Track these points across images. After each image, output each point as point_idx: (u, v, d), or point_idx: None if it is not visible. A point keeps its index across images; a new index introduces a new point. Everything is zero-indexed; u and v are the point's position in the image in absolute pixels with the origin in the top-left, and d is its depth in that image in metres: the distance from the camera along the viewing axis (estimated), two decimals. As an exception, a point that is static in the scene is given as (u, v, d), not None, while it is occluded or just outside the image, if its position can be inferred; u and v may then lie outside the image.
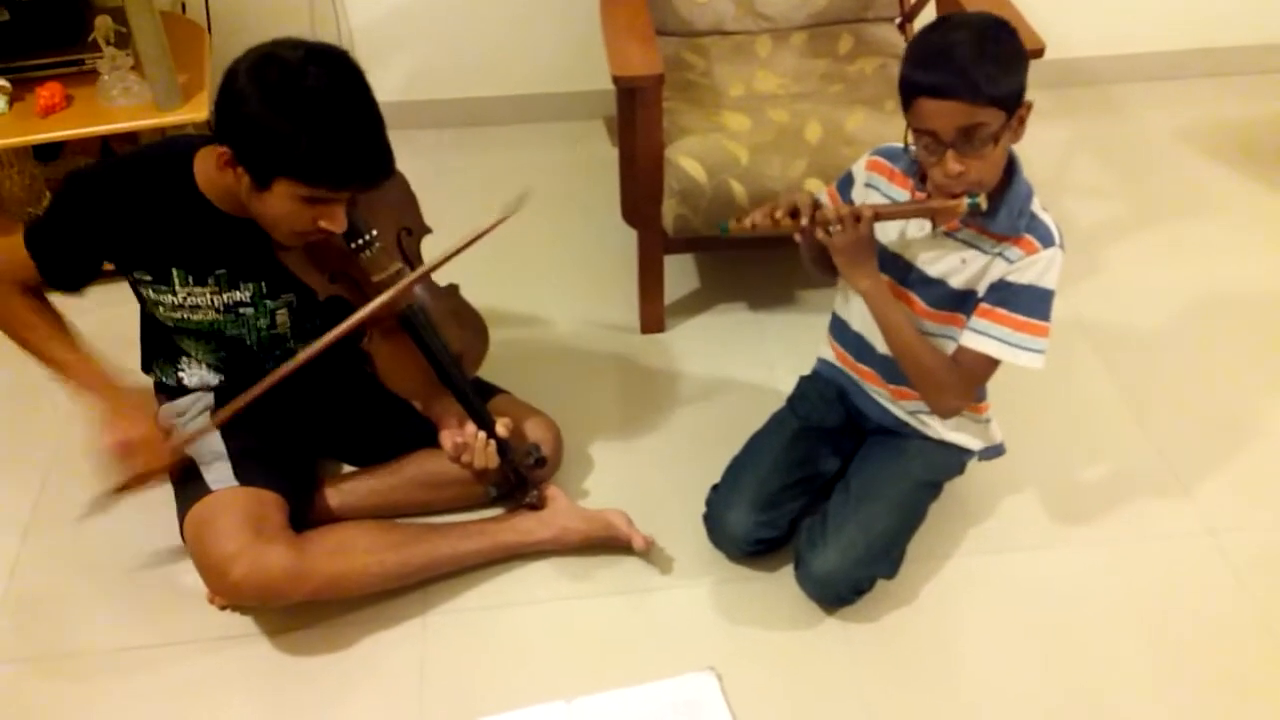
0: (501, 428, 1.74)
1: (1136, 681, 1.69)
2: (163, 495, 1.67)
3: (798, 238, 1.59)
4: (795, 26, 2.44)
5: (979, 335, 1.56)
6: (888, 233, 1.63)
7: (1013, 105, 1.42)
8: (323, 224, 1.49)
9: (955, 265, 1.57)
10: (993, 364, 1.58)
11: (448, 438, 1.73)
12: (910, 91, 1.44)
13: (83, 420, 1.61)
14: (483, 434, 1.72)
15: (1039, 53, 1.96)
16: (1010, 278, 1.53)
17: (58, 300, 1.70)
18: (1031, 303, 1.53)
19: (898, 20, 2.47)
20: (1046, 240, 1.52)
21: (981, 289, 1.57)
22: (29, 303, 1.66)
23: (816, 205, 1.54)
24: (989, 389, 1.75)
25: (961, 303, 1.59)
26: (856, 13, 2.44)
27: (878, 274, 1.58)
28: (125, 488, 1.60)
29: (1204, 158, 2.82)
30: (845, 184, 1.70)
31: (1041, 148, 2.85)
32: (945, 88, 1.40)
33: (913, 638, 1.75)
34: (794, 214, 1.54)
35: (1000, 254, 1.53)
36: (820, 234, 1.53)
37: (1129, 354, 2.25)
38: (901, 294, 1.64)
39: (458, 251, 1.57)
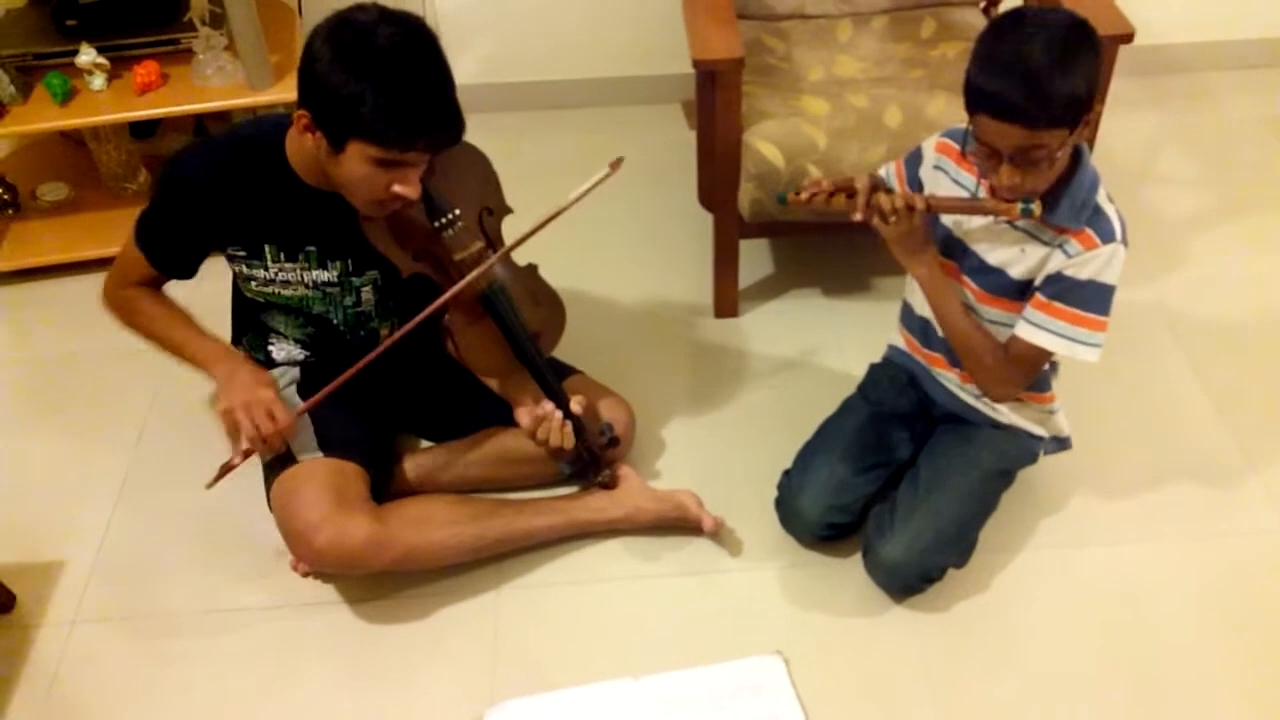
0: (576, 405, 1.77)
1: (1208, 681, 1.66)
2: (252, 463, 1.72)
3: (857, 217, 1.55)
4: (877, 10, 2.42)
5: (1034, 328, 1.55)
6: (948, 218, 1.63)
7: (1078, 119, 1.39)
8: (397, 189, 1.51)
9: (1014, 255, 1.56)
10: (1045, 355, 1.57)
11: (525, 414, 1.76)
12: (973, 100, 1.41)
13: (176, 386, 1.67)
14: (559, 412, 1.75)
15: (1128, 38, 1.93)
16: (1068, 272, 1.51)
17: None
18: (1090, 298, 1.51)
19: (982, 4, 2.44)
20: (1107, 235, 1.49)
21: (1039, 279, 1.55)
22: (152, 297, 1.75)
23: (875, 189, 1.53)
24: (1054, 382, 1.73)
25: (1020, 292, 1.58)
26: (940, -4, 2.42)
27: (934, 261, 1.58)
28: (246, 454, 1.65)
29: (1295, 149, 2.75)
30: (914, 160, 1.69)
31: (1128, 136, 2.79)
32: (1007, 111, 1.36)
33: (982, 629, 1.74)
34: (851, 195, 1.54)
35: (1060, 246, 1.51)
36: (876, 221, 1.53)
37: (1213, 347, 2.20)
38: (960, 280, 1.63)
39: (548, 221, 1.60)
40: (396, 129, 1.45)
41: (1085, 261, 1.50)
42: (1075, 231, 1.50)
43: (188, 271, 1.74)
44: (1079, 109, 1.38)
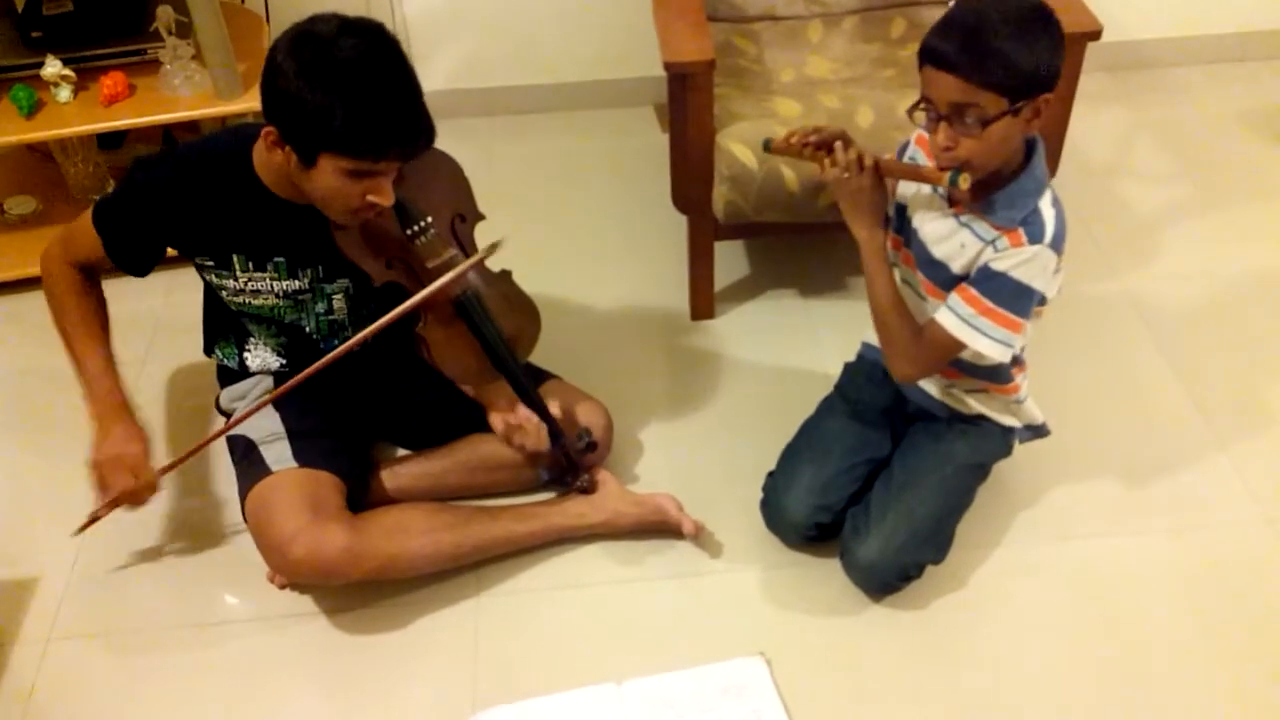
0: (554, 408, 1.76)
1: (1187, 674, 1.67)
2: (226, 475, 1.70)
3: (819, 166, 1.60)
4: (847, 11, 2.42)
5: (947, 311, 1.57)
6: (913, 206, 1.65)
7: (1020, 93, 1.40)
8: (371, 198, 1.50)
9: (955, 249, 1.58)
10: (954, 341, 1.57)
11: (498, 419, 1.75)
12: (921, 54, 1.45)
13: (145, 401, 1.66)
14: (534, 415, 1.75)
15: (1095, 35, 1.94)
16: (990, 264, 1.53)
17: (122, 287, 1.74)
18: (1004, 292, 1.53)
19: (951, 3, 2.45)
20: (1035, 237, 1.51)
21: (971, 275, 1.57)
22: (84, 290, 1.72)
23: (844, 144, 1.58)
24: (1020, 375, 1.74)
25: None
26: (909, -4, 2.43)
27: (878, 228, 1.60)
28: (109, 505, 1.67)
29: (1266, 142, 2.77)
30: (900, 153, 1.72)
31: (1100, 131, 2.82)
32: (947, 60, 1.40)
33: (962, 625, 1.74)
34: (821, 146, 1.59)
35: (992, 243, 1.53)
36: (832, 172, 1.57)
37: (1187, 339, 2.22)
38: (915, 272, 1.67)
39: (486, 254, 1.62)
40: (368, 140, 1.43)
41: (1007, 256, 1.52)
42: (1009, 230, 1.52)
43: (139, 269, 1.71)
44: (1020, 82, 1.40)
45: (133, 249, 1.69)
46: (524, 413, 1.75)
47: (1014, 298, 1.53)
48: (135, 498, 1.68)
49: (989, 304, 1.54)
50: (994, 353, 1.56)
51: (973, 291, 1.54)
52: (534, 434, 1.75)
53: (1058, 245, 1.53)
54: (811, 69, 2.27)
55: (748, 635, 1.73)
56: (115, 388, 1.71)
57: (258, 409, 1.72)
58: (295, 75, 1.40)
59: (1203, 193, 2.62)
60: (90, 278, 1.74)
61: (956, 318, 1.56)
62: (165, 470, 1.73)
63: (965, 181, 1.47)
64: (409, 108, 1.46)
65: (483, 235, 1.74)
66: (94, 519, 1.69)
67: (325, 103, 1.39)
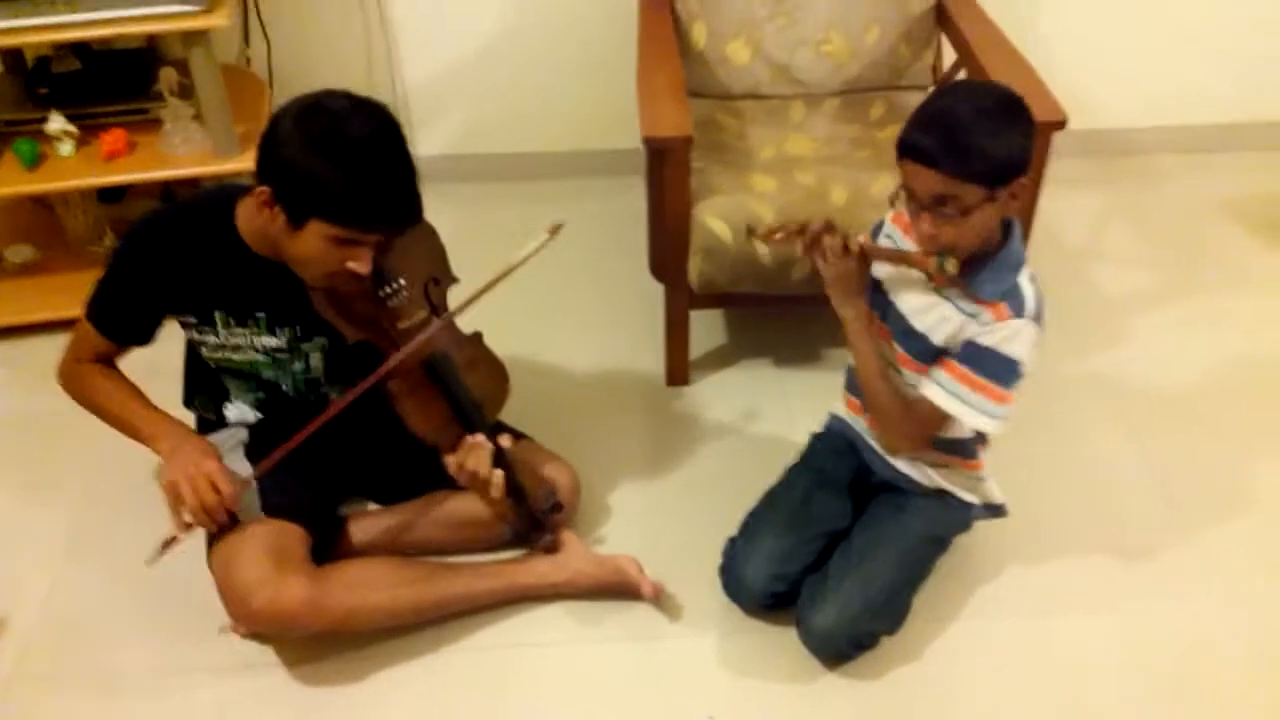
0: (505, 440, 1.77)
1: (1140, 752, 1.68)
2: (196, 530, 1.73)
3: (800, 251, 1.65)
4: (829, 93, 2.50)
5: (936, 387, 1.61)
6: (889, 280, 1.70)
7: (997, 181, 1.46)
8: (350, 265, 1.57)
9: (937, 322, 1.62)
10: (943, 416, 1.61)
11: (450, 459, 1.75)
12: (899, 148, 1.51)
13: (128, 448, 1.70)
14: (480, 435, 1.75)
15: (1060, 124, 1.99)
16: (976, 338, 1.57)
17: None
18: (992, 366, 1.57)
19: (931, 88, 2.52)
20: (1018, 310, 1.55)
21: (955, 347, 1.61)
22: (104, 372, 1.78)
23: (828, 230, 1.62)
24: (984, 452, 1.78)
25: (938, 359, 1.64)
26: (889, 80, 2.50)
27: (862, 307, 1.65)
28: (188, 527, 1.66)
29: (1242, 231, 2.82)
30: (875, 231, 1.77)
31: (1076, 215, 2.87)
32: (927, 155, 1.46)
33: (915, 697, 1.75)
34: (806, 238, 1.64)
35: (975, 316, 1.58)
36: (817, 260, 1.62)
37: (1152, 422, 2.25)
38: (890, 343, 1.70)
39: (489, 288, 1.66)
40: (360, 212, 1.51)
41: (992, 330, 1.56)
42: (991, 304, 1.56)
43: (143, 338, 1.77)
44: (998, 172, 1.46)
45: (132, 326, 1.75)
46: (469, 440, 1.74)
47: (1002, 371, 1.57)
48: (213, 515, 1.65)
49: (978, 378, 1.57)
50: (985, 426, 1.59)
51: (961, 367, 1.58)
52: (483, 457, 1.73)
53: (1039, 319, 1.57)
54: (791, 146, 2.34)
55: (702, 700, 1.74)
56: (174, 419, 1.76)
57: (246, 486, 1.72)
58: (302, 143, 1.48)
59: (1175, 278, 2.66)
60: (108, 364, 1.80)
61: (946, 393, 1.59)
62: (249, 483, 1.71)
63: (953, 266, 1.52)
64: (404, 188, 1.55)
65: (456, 299, 1.78)
66: (170, 542, 1.65)
67: (327, 173, 1.47)
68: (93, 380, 1.77)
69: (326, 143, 1.48)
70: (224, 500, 1.65)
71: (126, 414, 1.75)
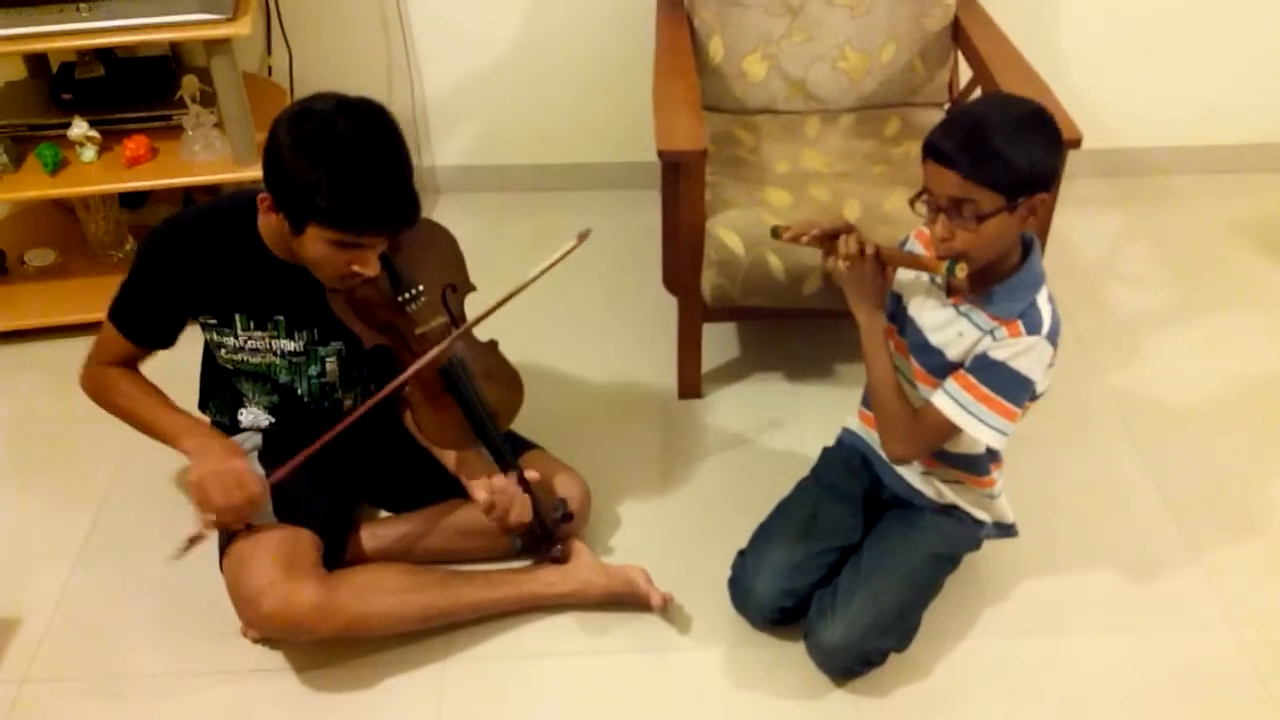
0: (530, 476, 1.80)
1: (1148, 774, 1.67)
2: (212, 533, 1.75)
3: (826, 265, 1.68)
4: (845, 109, 2.51)
5: (945, 397, 1.61)
6: (909, 294, 1.71)
7: (1016, 191, 1.47)
8: (355, 268, 1.58)
9: (953, 337, 1.63)
10: (949, 426, 1.61)
11: (480, 488, 1.78)
12: (925, 148, 1.52)
13: (145, 453, 1.70)
14: (517, 486, 1.78)
15: (1076, 143, 1.99)
16: (989, 352, 1.58)
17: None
18: (1001, 381, 1.57)
19: (947, 106, 2.53)
20: (1033, 328, 1.56)
21: (968, 361, 1.61)
22: (126, 375, 1.79)
23: (847, 230, 1.64)
24: (996, 470, 1.77)
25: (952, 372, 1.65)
26: (905, 97, 2.51)
27: (877, 312, 1.67)
28: (211, 524, 1.67)
29: (1258, 252, 2.81)
30: (900, 247, 1.76)
31: (1093, 234, 2.87)
32: (947, 156, 1.47)
33: (923, 714, 1.75)
34: (827, 238, 1.66)
35: (990, 332, 1.58)
36: (835, 262, 1.64)
37: (1166, 442, 2.24)
38: (906, 358, 1.71)
39: (514, 295, 1.66)
40: (350, 216, 1.51)
41: (1006, 346, 1.56)
42: (1007, 321, 1.56)
43: (166, 341, 1.79)
44: (1017, 180, 1.46)
45: (155, 328, 1.76)
46: (501, 481, 1.78)
47: (1011, 386, 1.57)
48: (239, 513, 1.66)
49: (986, 391, 1.58)
50: (989, 439, 1.60)
51: (971, 379, 1.59)
52: (518, 505, 1.78)
53: (1054, 338, 1.58)
54: (806, 162, 2.34)
55: (707, 714, 1.74)
56: (198, 419, 1.77)
57: (277, 479, 1.72)
58: (290, 148, 1.49)
59: (1191, 298, 2.66)
60: (131, 367, 1.81)
61: (955, 403, 1.60)
62: (273, 483, 1.71)
63: (962, 271, 1.53)
64: (394, 188, 1.53)
65: (474, 306, 1.79)
66: (194, 540, 1.65)
67: (314, 177, 1.48)
68: (116, 383, 1.79)
69: (311, 146, 1.48)
70: (249, 498, 1.66)
71: (150, 414, 1.76)
